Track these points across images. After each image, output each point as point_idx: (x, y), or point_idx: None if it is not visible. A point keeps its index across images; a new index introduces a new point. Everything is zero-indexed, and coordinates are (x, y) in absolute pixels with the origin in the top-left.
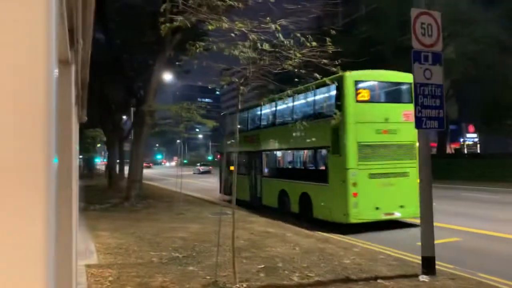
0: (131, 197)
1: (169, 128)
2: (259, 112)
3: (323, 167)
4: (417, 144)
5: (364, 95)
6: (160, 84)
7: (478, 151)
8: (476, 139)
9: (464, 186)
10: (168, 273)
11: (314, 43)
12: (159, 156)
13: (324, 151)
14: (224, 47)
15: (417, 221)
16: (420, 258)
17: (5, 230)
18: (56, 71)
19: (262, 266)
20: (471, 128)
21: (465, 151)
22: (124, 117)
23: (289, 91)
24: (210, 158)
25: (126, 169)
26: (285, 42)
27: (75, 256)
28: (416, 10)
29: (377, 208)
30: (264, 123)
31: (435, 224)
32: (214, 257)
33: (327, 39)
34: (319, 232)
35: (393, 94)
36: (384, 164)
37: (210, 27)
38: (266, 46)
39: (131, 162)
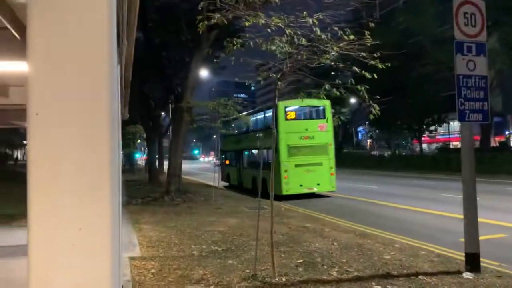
0: (171, 192)
1: (206, 124)
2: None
3: (271, 161)
4: (330, 144)
5: (291, 115)
6: (197, 81)
7: None
8: None
9: (510, 180)
10: (208, 266)
11: (351, 36)
12: (196, 151)
13: (270, 151)
14: (261, 42)
15: (330, 194)
16: (463, 254)
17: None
18: (117, 72)
19: (301, 260)
20: None
21: (511, 144)
22: (163, 113)
23: (326, 86)
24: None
25: (165, 164)
26: (322, 36)
27: (120, 249)
28: None
29: (300, 185)
30: (244, 129)
31: (478, 219)
32: (252, 251)
33: (366, 32)
34: (359, 226)
35: (310, 114)
36: (306, 157)
37: (246, 23)
38: (303, 41)
39: (170, 157)
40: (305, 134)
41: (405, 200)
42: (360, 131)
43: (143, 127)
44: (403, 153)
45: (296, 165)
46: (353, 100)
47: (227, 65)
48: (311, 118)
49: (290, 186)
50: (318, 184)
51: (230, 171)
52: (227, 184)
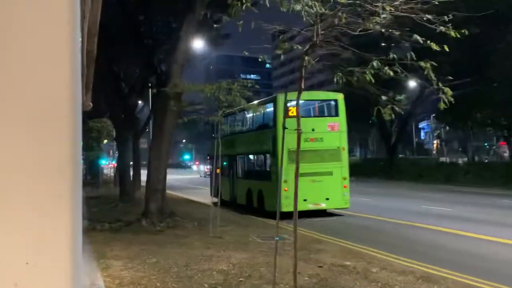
0: (151, 213)
1: (202, 117)
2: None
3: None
4: (343, 148)
5: (294, 111)
6: (188, 56)
7: None
8: None
9: None
10: None
11: None
12: (187, 157)
13: (268, 155)
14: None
15: (342, 211)
16: None
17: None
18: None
19: None
20: None
21: None
22: (140, 102)
23: (374, 63)
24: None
25: (144, 174)
26: None
27: None
28: None
29: (304, 200)
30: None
31: None
32: None
33: None
34: (419, 265)
35: (319, 110)
36: (312, 165)
37: None
38: None
39: (150, 164)
40: (311, 136)
41: (487, 227)
42: (423, 129)
43: (112, 121)
44: (485, 160)
45: (301, 175)
46: (412, 84)
47: (232, 32)
48: (319, 115)
49: (291, 200)
50: (327, 199)
51: (223, 183)
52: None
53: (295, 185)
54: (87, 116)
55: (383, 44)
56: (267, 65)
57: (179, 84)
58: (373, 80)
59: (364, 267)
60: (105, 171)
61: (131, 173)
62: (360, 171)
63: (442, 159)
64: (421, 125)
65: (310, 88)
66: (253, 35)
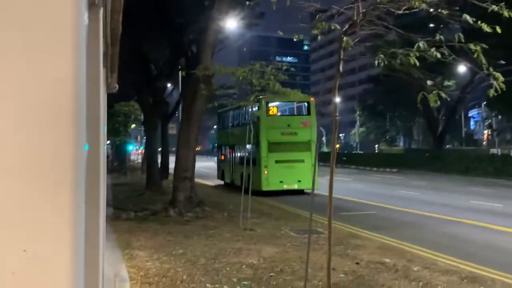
0: (179, 202)
1: (233, 102)
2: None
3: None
4: (313, 141)
5: (273, 110)
6: (220, 37)
7: None
8: None
9: None
10: None
11: None
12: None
13: (254, 146)
14: None
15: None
16: None
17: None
18: (85, 16)
19: None
20: None
21: None
22: (169, 85)
23: (420, 44)
24: None
25: (172, 161)
26: None
27: (101, 285)
28: None
29: (281, 182)
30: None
31: None
32: None
33: None
34: (465, 265)
35: (292, 109)
36: (287, 154)
37: None
38: None
39: (179, 151)
40: (287, 130)
41: None
42: (472, 118)
43: (140, 105)
44: None
45: (277, 161)
46: (462, 69)
47: (266, 11)
48: (294, 114)
49: (269, 182)
50: (299, 181)
51: (225, 167)
52: (222, 182)
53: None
54: (114, 99)
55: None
56: (305, 47)
57: (210, 66)
58: (417, 63)
59: (404, 265)
60: (132, 157)
61: (159, 160)
62: (403, 163)
63: (493, 150)
64: (470, 113)
65: (351, 72)
66: (289, 14)
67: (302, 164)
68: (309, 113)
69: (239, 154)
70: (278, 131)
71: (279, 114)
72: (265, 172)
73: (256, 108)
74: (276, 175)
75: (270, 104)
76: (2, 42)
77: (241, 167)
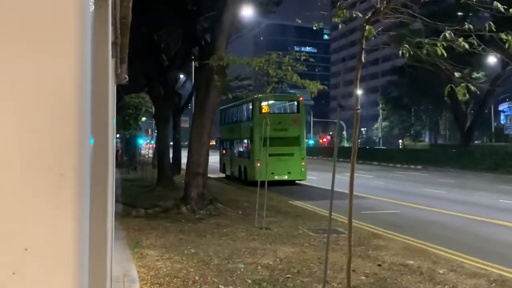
0: (191, 199)
1: (248, 94)
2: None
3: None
4: (302, 136)
5: (265, 109)
6: (235, 25)
7: None
8: None
9: None
10: None
11: None
12: None
13: (249, 141)
14: None
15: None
16: None
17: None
18: (91, 3)
19: None
20: None
21: None
22: (182, 76)
23: (447, 33)
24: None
25: (184, 156)
26: None
27: (109, 285)
28: None
29: (272, 173)
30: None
31: None
32: None
33: None
34: (494, 268)
35: (284, 108)
36: (278, 148)
37: None
38: None
39: (192, 145)
40: (279, 127)
41: None
42: (503, 112)
43: (151, 96)
44: None
45: (270, 155)
46: (492, 60)
47: None
48: (285, 112)
49: (262, 173)
50: (289, 173)
51: (225, 161)
52: (223, 175)
53: (350, 177)
54: (124, 90)
55: (458, 14)
56: (325, 37)
57: (224, 56)
58: (445, 54)
59: (429, 267)
60: (142, 151)
61: (171, 154)
62: (428, 159)
63: None
64: (501, 107)
65: (374, 62)
66: (307, 1)
67: (292, 157)
68: (298, 111)
69: (237, 149)
70: (271, 127)
71: (271, 112)
72: (258, 164)
73: (251, 106)
74: (268, 168)
75: (263, 103)
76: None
77: (239, 160)
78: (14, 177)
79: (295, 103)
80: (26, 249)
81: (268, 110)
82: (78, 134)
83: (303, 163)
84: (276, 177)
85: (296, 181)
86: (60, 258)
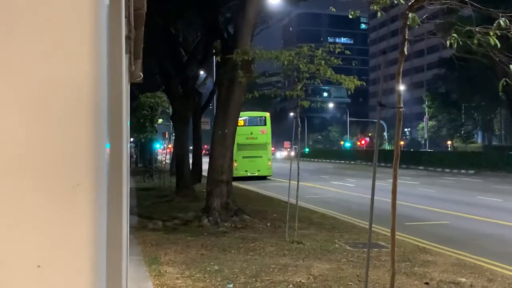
0: (214, 210)
1: (277, 92)
2: None
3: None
4: (268, 143)
5: (241, 122)
6: (261, 14)
7: None
8: None
9: None
10: None
11: None
12: None
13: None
14: None
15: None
16: None
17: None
18: None
19: None
20: None
21: None
22: (202, 72)
23: (501, 21)
24: (306, 150)
25: (206, 162)
26: None
27: None
28: None
29: (246, 171)
30: None
31: None
32: None
33: None
34: None
35: (254, 122)
36: (250, 151)
37: None
38: None
39: (213, 150)
40: (250, 136)
41: None
42: None
43: (169, 96)
44: None
45: (243, 157)
46: None
47: None
48: (255, 125)
49: (238, 171)
50: (258, 170)
51: None
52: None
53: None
54: (138, 89)
55: None
56: (362, 26)
57: (249, 49)
58: (498, 44)
59: (484, 286)
60: (159, 157)
61: (190, 160)
62: (482, 163)
63: None
64: None
65: (419, 53)
66: None
67: (261, 159)
68: (265, 123)
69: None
70: (244, 136)
71: (244, 125)
72: (235, 164)
73: None
74: (242, 166)
75: (239, 118)
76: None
77: None
78: (27, 189)
79: (264, 117)
80: (39, 266)
81: (243, 124)
82: (94, 139)
83: (269, 163)
84: (248, 174)
85: (267, 177)
86: (75, 277)
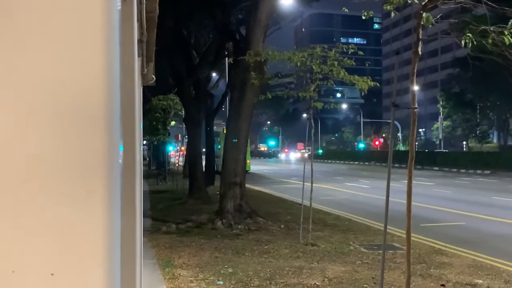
0: (227, 212)
1: (289, 93)
2: None
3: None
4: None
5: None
6: (273, 14)
7: None
8: None
9: None
10: None
11: None
12: (272, 142)
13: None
14: None
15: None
16: None
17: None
18: (119, 2)
19: None
20: None
21: None
22: (214, 74)
23: None
24: (319, 151)
25: (218, 164)
26: None
27: None
28: None
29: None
30: None
31: None
32: None
33: None
34: None
35: None
36: None
37: None
38: None
39: (226, 152)
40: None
41: None
42: None
43: (181, 98)
44: None
45: None
46: None
47: None
48: None
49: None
50: None
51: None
52: None
53: (408, 184)
54: (150, 92)
55: None
56: (375, 26)
57: (261, 50)
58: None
59: (500, 287)
60: (171, 159)
61: (204, 162)
62: (498, 163)
63: None
64: None
65: (433, 53)
66: None
67: None
68: None
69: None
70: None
71: None
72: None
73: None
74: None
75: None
76: (22, 29)
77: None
78: (38, 195)
79: None
80: (52, 274)
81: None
82: (108, 142)
83: (248, 161)
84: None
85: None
86: (90, 285)
